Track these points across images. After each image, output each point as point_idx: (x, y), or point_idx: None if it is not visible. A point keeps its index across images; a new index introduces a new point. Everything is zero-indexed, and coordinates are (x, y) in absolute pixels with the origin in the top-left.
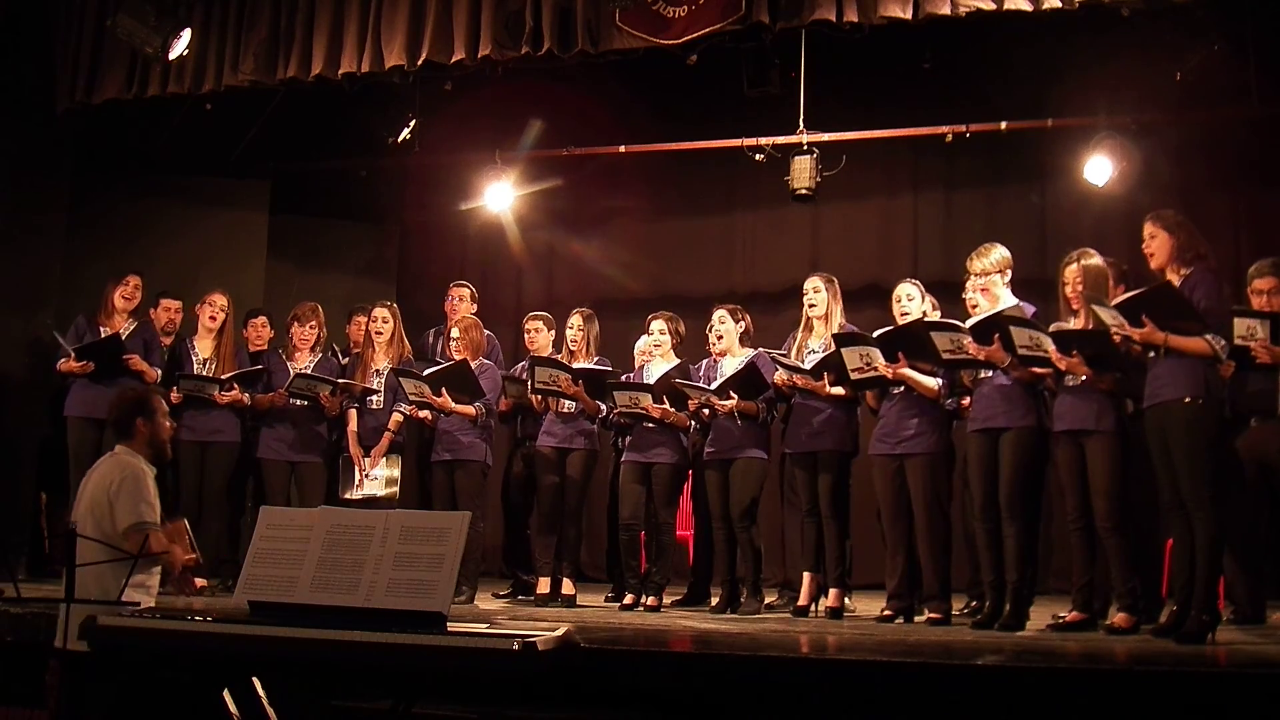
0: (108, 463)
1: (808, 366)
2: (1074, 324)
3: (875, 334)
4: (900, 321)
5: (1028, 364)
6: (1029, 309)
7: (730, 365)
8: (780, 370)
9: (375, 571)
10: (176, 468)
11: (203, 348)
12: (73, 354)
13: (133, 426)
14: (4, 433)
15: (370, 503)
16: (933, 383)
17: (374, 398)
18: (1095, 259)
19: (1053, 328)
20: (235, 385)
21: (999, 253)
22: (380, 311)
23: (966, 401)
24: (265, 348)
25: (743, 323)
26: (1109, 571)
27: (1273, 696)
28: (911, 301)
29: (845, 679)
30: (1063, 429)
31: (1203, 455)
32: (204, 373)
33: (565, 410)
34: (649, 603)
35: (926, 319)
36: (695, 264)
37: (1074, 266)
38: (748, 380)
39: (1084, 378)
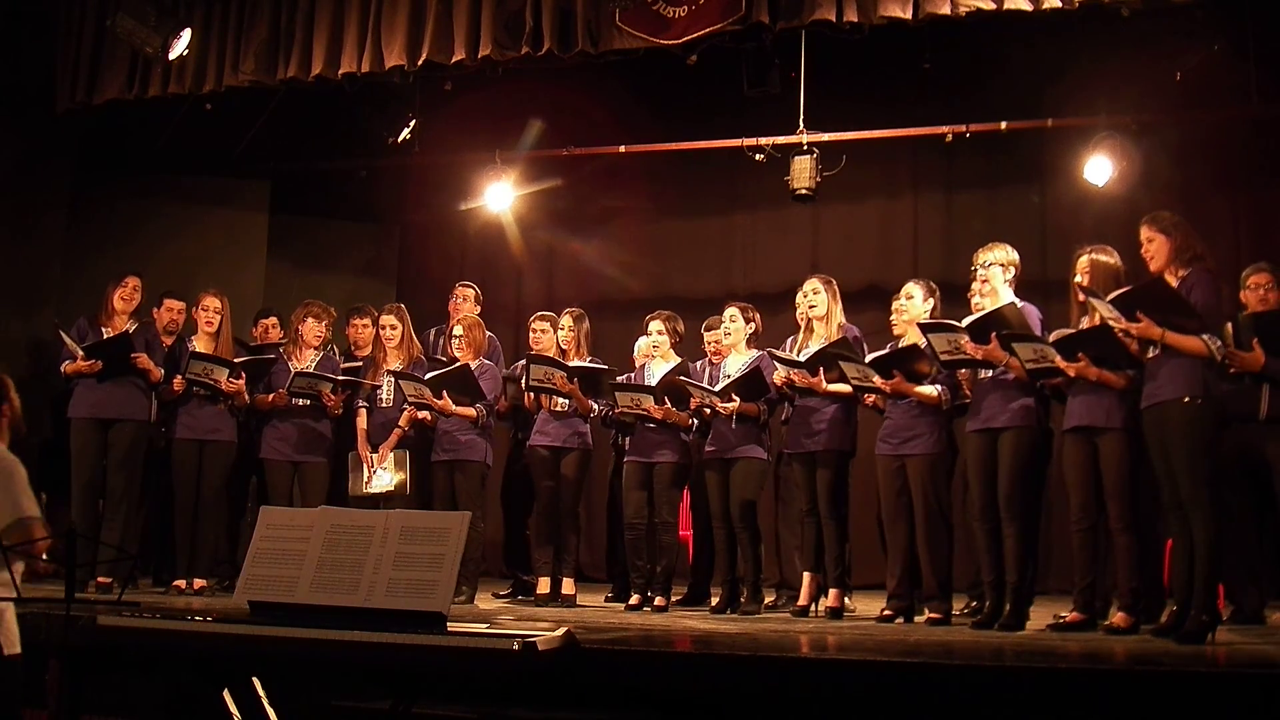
0: None
1: (803, 359)
2: (1084, 323)
3: (867, 359)
4: (898, 321)
5: (1038, 376)
6: (1032, 310)
7: (733, 364)
8: (780, 369)
9: (375, 571)
10: (172, 466)
11: (203, 348)
12: (80, 354)
13: None
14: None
15: (381, 498)
16: (932, 390)
17: (383, 395)
18: (1106, 256)
19: (1053, 336)
20: (243, 373)
21: (1006, 250)
22: (387, 319)
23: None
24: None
25: (753, 323)
26: (1110, 571)
27: (1273, 696)
28: (910, 301)
29: (845, 679)
30: (1074, 425)
31: (1201, 455)
32: (204, 375)
33: (559, 409)
34: (658, 602)
35: (923, 321)
36: (695, 264)
37: (1084, 259)
38: (751, 382)
39: (1095, 378)
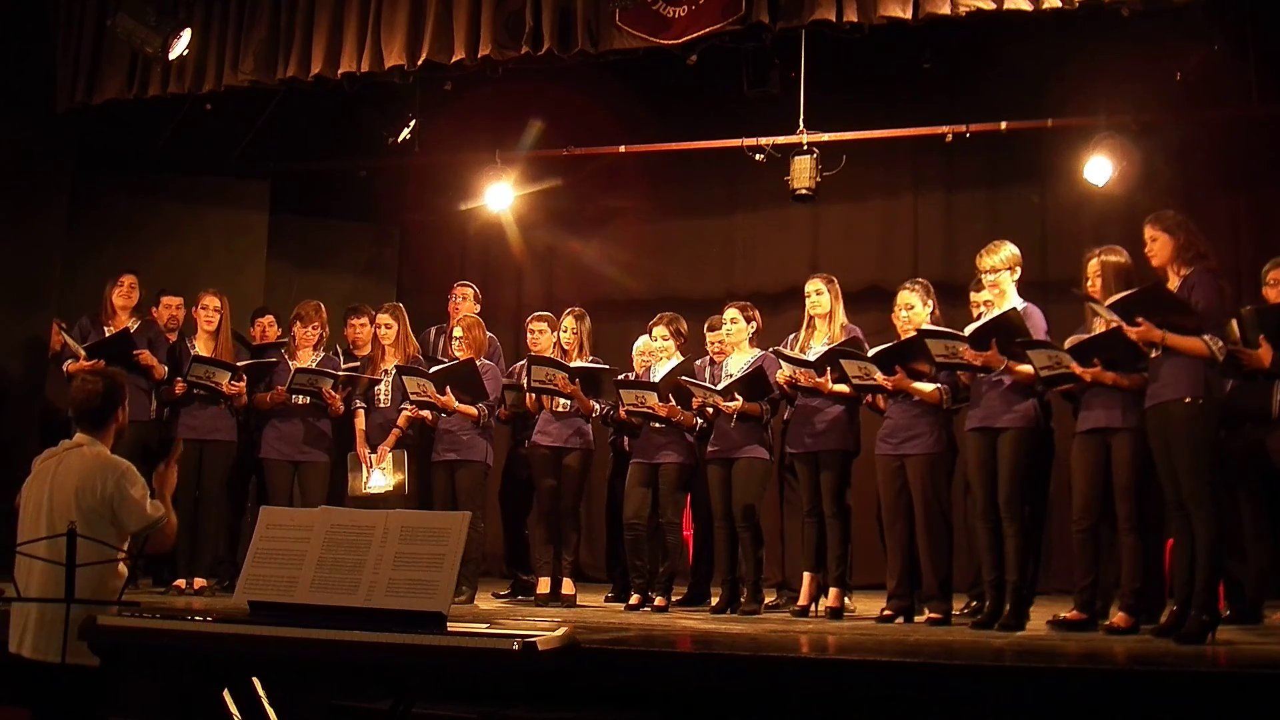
0: (82, 460)
1: (811, 358)
2: (1098, 326)
3: (870, 353)
4: (900, 329)
5: (1052, 384)
6: (1036, 311)
7: (736, 364)
8: (784, 367)
9: (375, 571)
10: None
11: (203, 347)
12: (83, 354)
13: (111, 416)
14: (3, 433)
15: (379, 498)
16: (932, 388)
17: (380, 395)
18: (1116, 256)
19: (1068, 342)
20: (244, 375)
21: (1008, 250)
22: (384, 318)
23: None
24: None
25: (754, 322)
26: (1110, 571)
27: (1273, 696)
28: (912, 311)
29: (845, 679)
30: (1088, 428)
31: (1203, 455)
32: (205, 379)
33: (560, 409)
34: (658, 602)
35: (925, 328)
36: (695, 264)
37: (1094, 262)
38: (754, 381)
39: (1111, 382)
